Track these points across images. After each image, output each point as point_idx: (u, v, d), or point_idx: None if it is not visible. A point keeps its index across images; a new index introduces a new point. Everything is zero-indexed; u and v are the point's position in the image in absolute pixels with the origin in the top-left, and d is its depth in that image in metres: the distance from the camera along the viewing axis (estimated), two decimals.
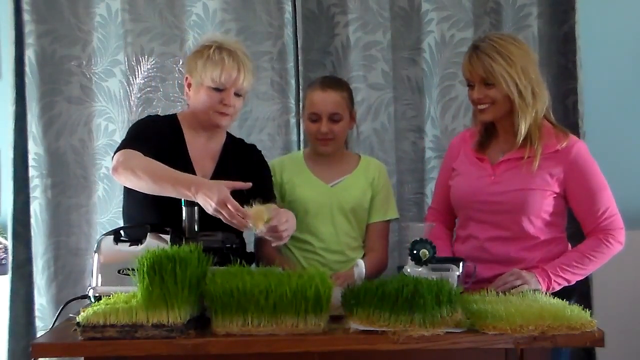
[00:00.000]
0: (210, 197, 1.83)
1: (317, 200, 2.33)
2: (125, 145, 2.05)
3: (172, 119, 2.23)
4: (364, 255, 2.34)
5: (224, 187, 1.86)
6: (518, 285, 2.01)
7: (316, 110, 2.30)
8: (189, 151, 2.17)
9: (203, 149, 2.20)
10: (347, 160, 2.42)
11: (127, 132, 2.17)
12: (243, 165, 2.23)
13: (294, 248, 2.36)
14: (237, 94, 2.15)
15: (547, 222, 2.16)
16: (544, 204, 2.14)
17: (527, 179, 2.13)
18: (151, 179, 1.93)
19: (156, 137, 2.10)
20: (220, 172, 2.18)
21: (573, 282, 2.13)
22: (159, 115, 2.31)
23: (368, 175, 2.40)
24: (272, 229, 1.89)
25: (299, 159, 2.43)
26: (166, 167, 1.96)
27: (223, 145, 2.25)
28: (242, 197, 2.16)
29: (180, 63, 2.72)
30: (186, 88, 2.19)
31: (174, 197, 1.90)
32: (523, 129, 2.13)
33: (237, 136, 2.37)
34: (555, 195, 2.15)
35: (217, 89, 2.11)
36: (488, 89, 2.14)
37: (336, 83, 2.37)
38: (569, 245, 2.26)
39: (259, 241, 2.38)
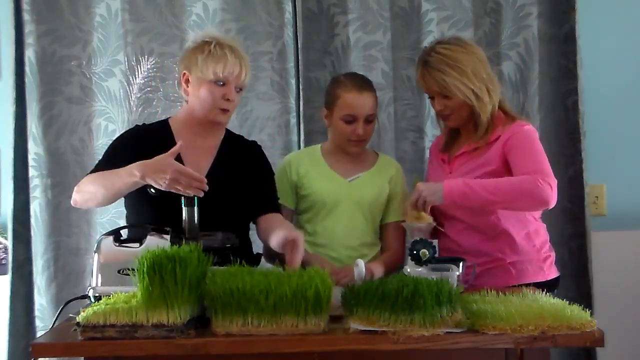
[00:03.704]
0: (161, 170, 1.87)
1: (334, 194, 2.34)
2: (95, 168, 2.12)
3: (162, 125, 2.24)
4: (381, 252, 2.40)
5: (169, 157, 1.90)
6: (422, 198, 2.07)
7: (354, 112, 2.31)
8: (181, 153, 2.15)
9: (198, 148, 2.19)
10: (365, 157, 2.45)
11: (107, 148, 2.22)
12: (241, 163, 2.22)
13: (306, 243, 2.35)
14: (237, 89, 2.16)
15: None
16: None
17: (478, 169, 2.20)
18: (102, 188, 2.01)
19: (136, 148, 2.09)
20: (216, 169, 2.17)
21: (482, 200, 2.10)
22: (145, 125, 2.32)
23: (385, 173, 2.43)
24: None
25: (317, 153, 2.44)
26: (110, 170, 2.01)
27: (221, 141, 2.24)
28: (242, 199, 2.16)
29: None
30: (183, 84, 2.19)
31: (132, 189, 1.97)
32: (485, 124, 2.22)
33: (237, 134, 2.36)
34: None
35: (219, 84, 2.12)
36: (447, 100, 2.23)
37: (369, 84, 2.38)
38: (547, 238, 2.31)
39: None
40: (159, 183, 1.88)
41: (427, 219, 2.11)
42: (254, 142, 2.35)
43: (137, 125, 2.34)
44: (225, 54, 2.11)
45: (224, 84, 2.12)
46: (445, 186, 2.10)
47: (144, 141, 2.14)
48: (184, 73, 2.17)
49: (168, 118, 2.29)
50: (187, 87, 2.17)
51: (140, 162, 1.94)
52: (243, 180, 2.18)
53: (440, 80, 2.19)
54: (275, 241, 1.98)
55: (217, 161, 2.19)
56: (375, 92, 2.37)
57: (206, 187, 1.88)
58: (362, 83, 2.36)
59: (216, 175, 2.11)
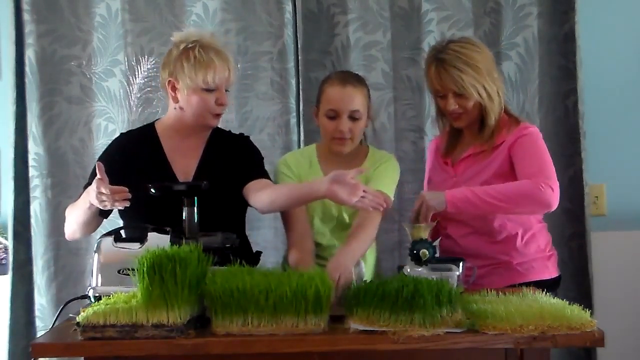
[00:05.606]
0: (93, 190, 1.90)
1: (332, 205, 2.21)
2: (83, 188, 2.12)
3: (148, 130, 2.23)
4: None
5: (95, 181, 1.92)
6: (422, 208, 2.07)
7: (336, 107, 2.19)
8: (168, 156, 2.16)
9: (185, 150, 2.18)
10: (357, 158, 2.30)
11: (94, 166, 2.17)
12: (228, 156, 2.20)
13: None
14: (226, 90, 2.16)
15: None
16: None
17: (483, 172, 2.19)
18: (75, 223, 2.11)
19: (122, 159, 2.12)
20: (203, 169, 2.16)
21: (486, 205, 2.08)
22: (130, 131, 2.33)
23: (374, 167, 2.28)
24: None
25: (313, 158, 2.33)
26: (75, 202, 2.10)
27: (207, 141, 2.22)
28: (232, 194, 2.15)
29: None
30: (170, 91, 2.14)
31: (94, 214, 2.04)
32: (492, 125, 2.21)
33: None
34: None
35: (210, 90, 2.11)
36: (460, 99, 2.20)
37: (355, 79, 2.26)
38: (550, 238, 2.32)
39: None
40: (99, 201, 1.90)
41: (427, 227, 2.06)
42: (240, 135, 2.31)
43: (121, 133, 2.34)
44: (212, 59, 2.08)
45: (214, 90, 2.11)
46: (447, 194, 2.09)
47: (129, 149, 2.15)
48: (170, 80, 2.13)
49: (154, 122, 2.26)
50: (175, 93, 2.13)
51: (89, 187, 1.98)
52: (230, 174, 2.16)
53: (458, 78, 2.15)
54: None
55: (202, 160, 2.19)
56: (364, 89, 2.24)
57: (128, 195, 1.88)
58: (348, 77, 2.24)
59: (203, 174, 2.11)
